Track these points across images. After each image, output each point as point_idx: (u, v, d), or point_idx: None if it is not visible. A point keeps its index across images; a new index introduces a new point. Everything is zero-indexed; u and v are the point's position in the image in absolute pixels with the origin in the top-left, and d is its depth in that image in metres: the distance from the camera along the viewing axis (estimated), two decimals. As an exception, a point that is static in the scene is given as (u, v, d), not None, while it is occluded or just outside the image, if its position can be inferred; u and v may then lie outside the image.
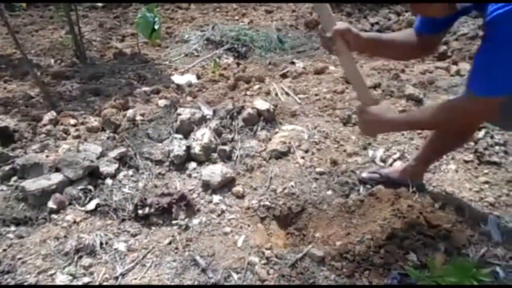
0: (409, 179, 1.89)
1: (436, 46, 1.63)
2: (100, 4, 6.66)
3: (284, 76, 3.31)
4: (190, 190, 1.96)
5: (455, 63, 3.31)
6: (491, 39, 1.16)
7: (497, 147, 2.18)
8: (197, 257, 1.59)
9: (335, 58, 3.79)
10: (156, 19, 3.50)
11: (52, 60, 3.97)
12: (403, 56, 1.68)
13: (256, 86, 3.00)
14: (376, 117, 1.45)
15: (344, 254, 1.57)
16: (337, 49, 1.48)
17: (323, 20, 1.51)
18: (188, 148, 2.16)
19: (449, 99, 1.52)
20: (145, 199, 1.84)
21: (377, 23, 4.81)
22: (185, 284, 1.50)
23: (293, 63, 3.71)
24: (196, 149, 2.14)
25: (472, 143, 2.22)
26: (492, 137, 2.24)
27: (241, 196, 1.94)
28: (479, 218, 1.76)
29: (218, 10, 5.79)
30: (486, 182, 1.99)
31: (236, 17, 5.33)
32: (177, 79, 3.34)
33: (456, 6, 1.27)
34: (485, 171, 2.07)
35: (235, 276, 1.53)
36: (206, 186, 1.98)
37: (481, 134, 2.26)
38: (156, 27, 3.51)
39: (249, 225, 1.77)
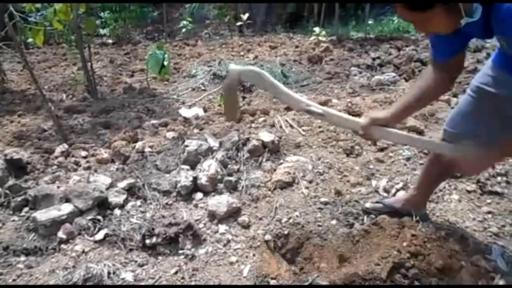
0: (412, 208, 1.91)
1: (461, 67, 1.56)
2: (110, 41, 6.97)
3: (288, 108, 3.41)
4: (196, 220, 2.00)
5: (455, 95, 3.40)
6: None
7: (499, 178, 2.21)
8: (203, 287, 1.61)
9: (337, 92, 3.90)
10: (166, 55, 3.66)
11: (64, 95, 4.13)
12: (439, 95, 1.62)
13: (261, 119, 3.09)
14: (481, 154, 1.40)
15: (349, 284, 1.58)
16: (378, 137, 1.60)
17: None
18: (195, 179, 2.22)
19: None
20: (153, 229, 1.87)
21: (378, 57, 4.97)
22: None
23: (297, 96, 3.82)
24: (203, 180, 2.20)
25: (474, 173, 2.26)
26: (493, 167, 2.27)
27: (246, 226, 1.96)
28: (483, 248, 1.77)
29: (224, 46, 6.02)
30: (489, 212, 2.01)
31: (242, 53, 5.54)
32: (185, 112, 3.46)
33: (460, 22, 1.20)
34: (488, 201, 2.09)
35: (241, 306, 1.54)
36: (212, 216, 2.01)
37: (482, 164, 2.29)
38: (165, 63, 3.67)
39: (254, 255, 1.79)
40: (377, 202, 2.03)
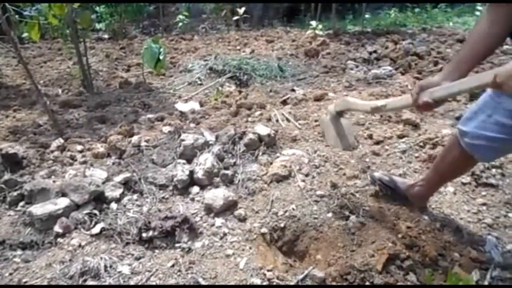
0: (415, 199, 1.92)
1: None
2: (106, 36, 6.93)
3: (284, 102, 3.41)
4: (193, 214, 2.00)
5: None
6: None
7: (493, 170, 2.22)
8: (200, 280, 1.61)
9: (334, 85, 3.90)
10: (161, 50, 3.64)
11: (60, 90, 4.10)
12: (493, 43, 1.40)
13: (258, 113, 3.09)
14: None
15: (345, 275, 1.59)
16: (426, 99, 1.44)
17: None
18: (191, 172, 2.22)
19: None
20: (149, 222, 1.87)
21: (375, 51, 4.96)
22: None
23: (293, 90, 3.82)
24: (199, 174, 2.20)
25: (469, 166, 2.27)
26: (488, 159, 2.28)
27: (243, 219, 1.97)
28: (478, 240, 1.78)
29: (220, 40, 6.00)
30: (484, 204, 2.02)
31: (238, 47, 5.52)
32: (181, 106, 3.45)
33: None
34: (483, 193, 2.11)
35: (237, 298, 1.55)
36: (209, 209, 2.02)
37: (477, 157, 2.31)
38: (161, 57, 3.65)
39: (250, 248, 1.80)
40: (385, 175, 2.03)
